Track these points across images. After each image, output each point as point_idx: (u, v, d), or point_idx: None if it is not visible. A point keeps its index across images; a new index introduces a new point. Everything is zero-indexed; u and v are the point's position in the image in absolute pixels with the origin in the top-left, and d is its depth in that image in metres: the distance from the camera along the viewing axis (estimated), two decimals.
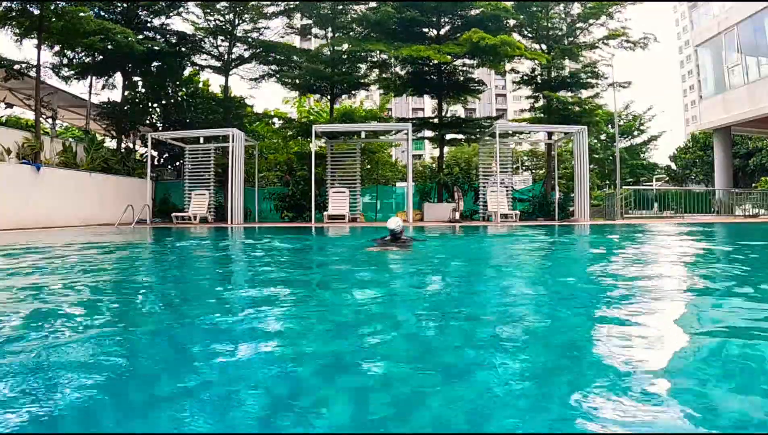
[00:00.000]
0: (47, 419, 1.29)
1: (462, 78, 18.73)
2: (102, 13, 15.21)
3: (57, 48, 15.02)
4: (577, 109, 17.43)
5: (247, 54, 18.15)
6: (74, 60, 15.90)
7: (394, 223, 5.30)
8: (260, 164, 18.59)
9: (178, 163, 19.01)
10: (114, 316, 2.61)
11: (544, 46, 17.79)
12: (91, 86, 16.06)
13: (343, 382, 1.62)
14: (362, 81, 19.23)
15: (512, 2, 16.86)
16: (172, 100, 18.40)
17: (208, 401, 1.43)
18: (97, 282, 3.85)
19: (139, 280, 4.23)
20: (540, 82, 18.25)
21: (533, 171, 39.40)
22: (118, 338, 2.12)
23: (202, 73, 19.18)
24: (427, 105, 51.49)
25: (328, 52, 17.66)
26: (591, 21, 17.60)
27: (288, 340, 2.13)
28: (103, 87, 17.14)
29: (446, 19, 17.82)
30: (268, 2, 17.35)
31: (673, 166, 42.52)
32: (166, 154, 19.23)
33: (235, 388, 1.54)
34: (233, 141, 13.96)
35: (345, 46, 17.17)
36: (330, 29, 18.03)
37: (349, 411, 1.40)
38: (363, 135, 16.58)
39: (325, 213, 14.68)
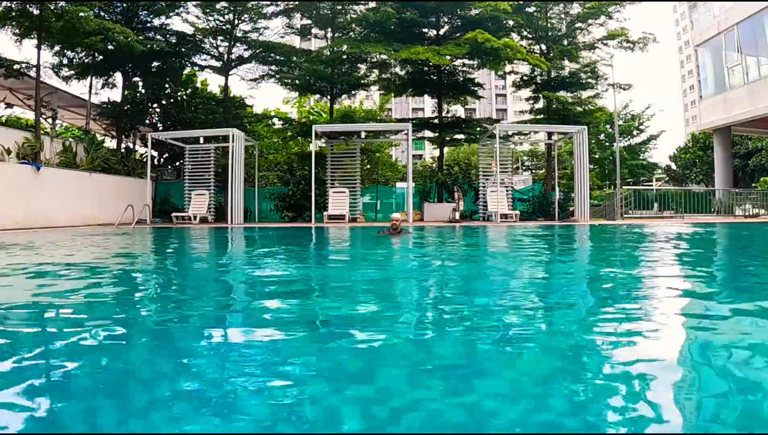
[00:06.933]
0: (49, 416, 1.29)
1: (462, 78, 18.71)
2: (102, 13, 15.20)
3: (57, 48, 15.01)
4: (577, 109, 17.42)
5: (246, 54, 18.15)
6: (74, 60, 15.89)
7: (395, 218, 8.31)
8: (260, 164, 18.59)
9: (178, 163, 19.01)
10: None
11: (543, 47, 17.79)
12: (91, 86, 16.05)
13: None
14: (362, 81, 19.23)
15: (510, 2, 16.84)
16: (172, 100, 18.40)
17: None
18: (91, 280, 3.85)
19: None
20: (540, 82, 18.24)
21: (533, 171, 39.41)
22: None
23: (201, 73, 19.22)
24: (427, 105, 51.46)
25: (328, 53, 17.65)
26: (590, 21, 17.60)
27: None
28: (103, 87, 17.13)
29: (446, 20, 17.82)
30: (268, 2, 17.35)
31: (673, 166, 42.42)
32: (166, 154, 19.22)
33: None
34: (233, 141, 13.96)
35: (344, 48, 17.17)
36: (330, 29, 18.03)
37: None
38: (363, 135, 16.57)
39: (325, 213, 14.64)
